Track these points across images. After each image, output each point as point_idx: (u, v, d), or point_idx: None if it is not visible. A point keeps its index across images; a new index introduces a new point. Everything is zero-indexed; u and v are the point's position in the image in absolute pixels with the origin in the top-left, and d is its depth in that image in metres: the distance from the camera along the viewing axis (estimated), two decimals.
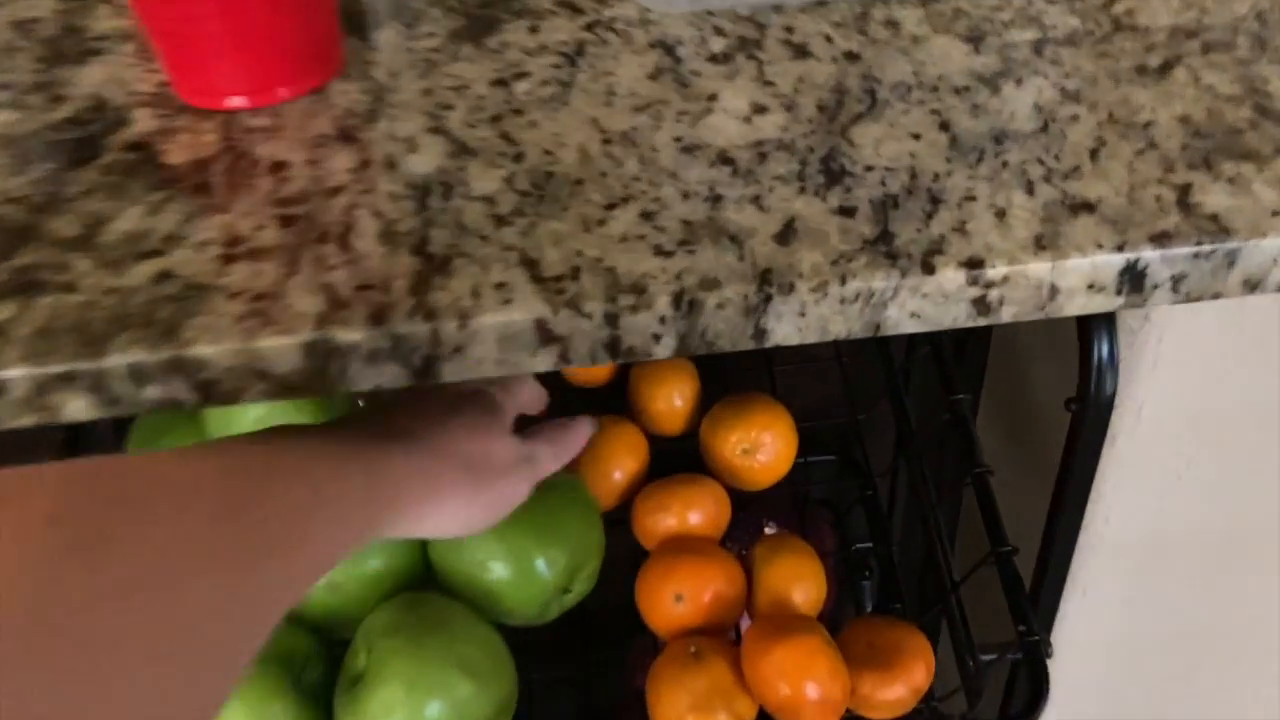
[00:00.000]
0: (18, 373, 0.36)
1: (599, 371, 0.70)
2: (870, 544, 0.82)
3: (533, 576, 0.58)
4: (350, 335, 0.37)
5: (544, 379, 0.69)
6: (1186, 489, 0.72)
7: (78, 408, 0.37)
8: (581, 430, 0.53)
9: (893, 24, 0.48)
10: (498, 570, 0.58)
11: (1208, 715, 0.89)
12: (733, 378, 0.72)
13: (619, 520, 0.65)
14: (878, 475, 0.74)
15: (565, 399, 0.71)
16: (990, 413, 0.80)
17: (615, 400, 0.70)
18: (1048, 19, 0.48)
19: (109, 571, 0.24)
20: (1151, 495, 0.71)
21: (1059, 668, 0.82)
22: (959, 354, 0.65)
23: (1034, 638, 0.54)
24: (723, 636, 0.60)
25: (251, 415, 0.58)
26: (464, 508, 0.43)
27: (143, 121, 0.46)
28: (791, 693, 0.55)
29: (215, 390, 0.38)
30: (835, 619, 0.68)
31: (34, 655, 0.22)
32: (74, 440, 0.66)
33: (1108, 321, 0.46)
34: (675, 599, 0.60)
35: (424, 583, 0.62)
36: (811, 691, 0.54)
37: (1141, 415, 0.66)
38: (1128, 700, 0.86)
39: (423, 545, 0.61)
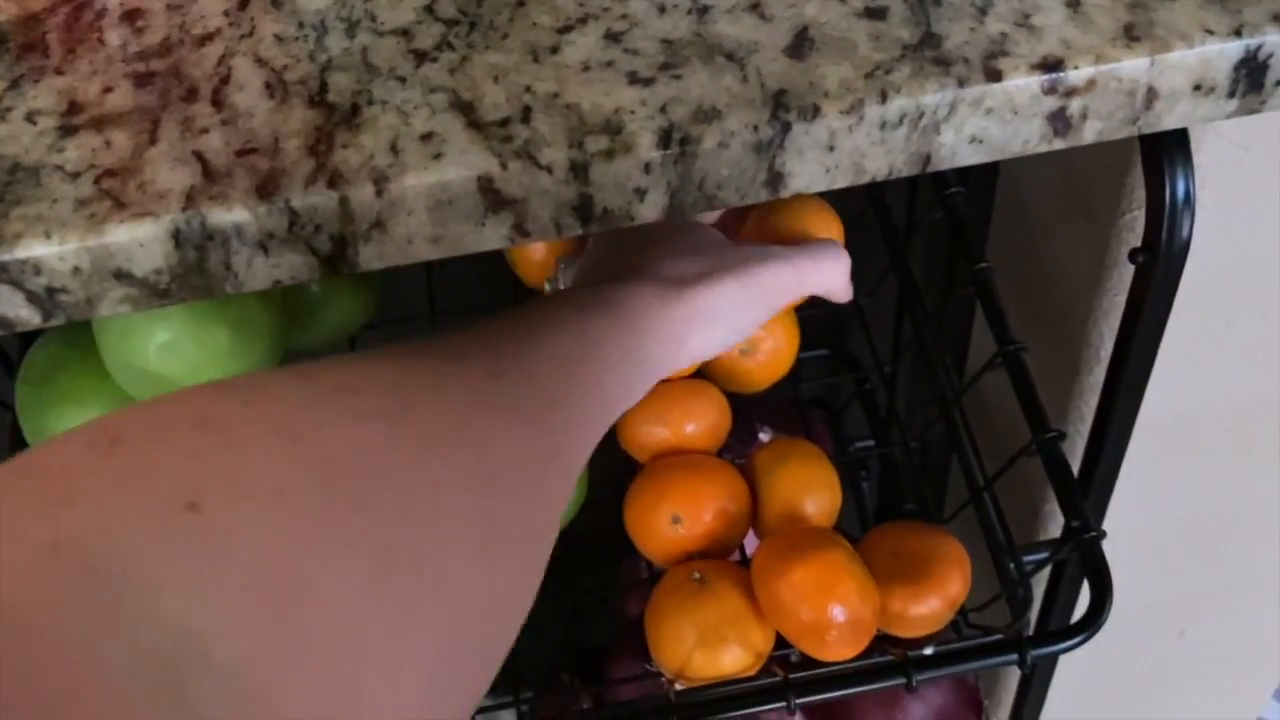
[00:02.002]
0: None
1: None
2: (872, 442, 0.75)
3: None
4: (231, 214, 0.27)
5: (486, 279, 0.60)
6: (1226, 352, 0.64)
7: None
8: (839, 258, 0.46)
9: None
10: None
11: (1240, 595, 0.84)
12: None
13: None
14: (882, 366, 0.66)
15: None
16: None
17: None
18: None
19: (411, 428, 0.25)
20: (1188, 362, 0.64)
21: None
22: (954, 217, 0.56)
23: (1090, 533, 0.47)
24: (728, 559, 0.52)
25: (157, 340, 0.48)
26: (734, 315, 0.40)
27: None
28: (815, 617, 0.47)
29: (61, 300, 0.28)
30: (839, 527, 0.60)
31: (346, 508, 0.22)
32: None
33: (1183, 151, 0.38)
34: (672, 521, 0.52)
35: None
36: (838, 614, 0.47)
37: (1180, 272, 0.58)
38: (1158, 586, 0.80)
39: None
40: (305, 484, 0.21)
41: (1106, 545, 0.67)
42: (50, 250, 0.27)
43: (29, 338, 0.59)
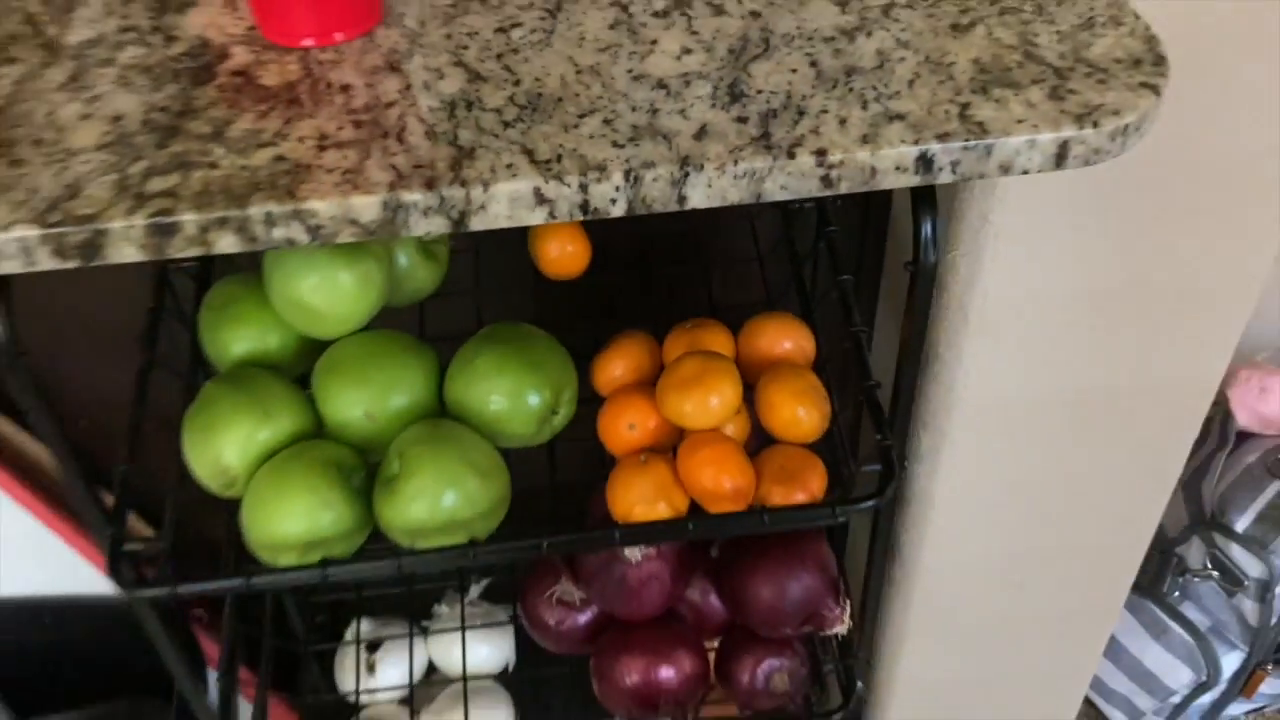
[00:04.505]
0: (189, 218, 0.55)
1: (574, 263, 0.88)
2: None
3: (526, 406, 0.78)
4: (412, 196, 0.55)
5: (515, 268, 0.88)
6: (1028, 357, 0.92)
7: (228, 243, 0.55)
8: None
9: None
10: (499, 402, 0.78)
11: (1070, 552, 1.10)
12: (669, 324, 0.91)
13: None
14: None
15: (540, 287, 0.89)
16: (886, 280, 1.01)
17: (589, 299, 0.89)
18: None
19: None
20: (1001, 361, 0.91)
21: (938, 510, 1.03)
22: (864, 226, 0.85)
23: (887, 442, 0.74)
24: (665, 452, 0.80)
25: (309, 281, 0.76)
26: None
27: (239, 55, 0.64)
28: (712, 484, 0.74)
29: (321, 232, 0.56)
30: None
31: None
32: (205, 274, 0.87)
33: (930, 207, 0.66)
34: (629, 428, 0.79)
35: (440, 415, 0.81)
36: (726, 483, 0.74)
37: (988, 296, 0.86)
38: (997, 543, 1.07)
39: (439, 385, 0.80)
40: None
41: (948, 506, 0.94)
42: (317, 206, 0.55)
43: (203, 283, 0.87)
